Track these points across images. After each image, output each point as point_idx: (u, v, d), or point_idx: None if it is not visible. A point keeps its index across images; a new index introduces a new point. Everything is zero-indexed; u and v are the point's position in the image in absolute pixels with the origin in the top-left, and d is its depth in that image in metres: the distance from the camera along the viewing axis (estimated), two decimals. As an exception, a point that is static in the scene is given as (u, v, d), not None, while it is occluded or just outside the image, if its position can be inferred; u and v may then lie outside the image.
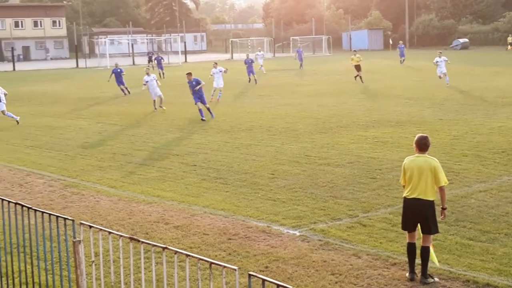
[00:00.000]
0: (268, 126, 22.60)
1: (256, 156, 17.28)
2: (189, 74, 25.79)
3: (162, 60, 50.99)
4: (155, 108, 28.66)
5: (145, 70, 30.07)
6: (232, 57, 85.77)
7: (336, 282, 8.56)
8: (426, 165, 8.55)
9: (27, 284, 7.66)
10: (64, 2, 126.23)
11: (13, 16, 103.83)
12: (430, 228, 8.61)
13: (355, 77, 40.15)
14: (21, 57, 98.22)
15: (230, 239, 10.41)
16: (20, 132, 23.45)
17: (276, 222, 11.27)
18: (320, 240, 10.20)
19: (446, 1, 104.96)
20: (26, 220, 7.60)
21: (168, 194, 13.52)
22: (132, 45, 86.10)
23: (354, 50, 43.71)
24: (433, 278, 8.56)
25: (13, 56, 76.24)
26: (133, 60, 78.67)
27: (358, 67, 40.10)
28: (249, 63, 42.18)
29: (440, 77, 36.04)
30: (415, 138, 8.80)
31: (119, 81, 37.17)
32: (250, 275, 5.18)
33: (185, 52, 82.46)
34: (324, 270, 8.97)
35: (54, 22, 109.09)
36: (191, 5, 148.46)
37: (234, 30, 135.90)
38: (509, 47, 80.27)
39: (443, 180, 8.62)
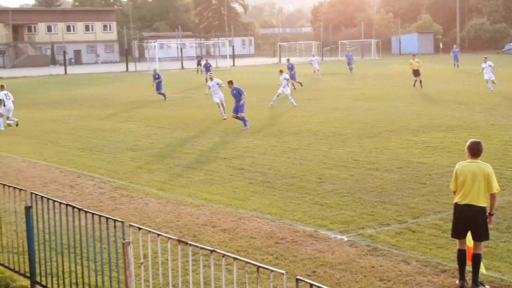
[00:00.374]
0: (316, 130, 22.51)
1: (303, 160, 17.22)
2: (230, 82, 24.93)
3: (210, 66, 51.16)
4: (224, 117, 26.16)
5: (209, 75, 28.52)
6: (279, 61, 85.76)
7: (384, 289, 8.45)
8: (479, 171, 8.39)
9: (77, 284, 7.78)
10: (115, 6, 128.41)
11: (65, 20, 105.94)
12: (481, 234, 8.45)
13: (414, 82, 38.77)
14: (73, 60, 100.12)
15: (277, 243, 10.39)
16: (71, 134, 23.88)
17: (323, 227, 11.19)
18: (368, 246, 10.10)
19: (498, 5, 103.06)
20: (76, 221, 7.73)
21: (215, 197, 13.57)
22: (181, 49, 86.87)
23: (413, 54, 42.36)
24: (484, 285, 8.39)
25: (64, 59, 77.72)
26: (182, 64, 79.39)
27: (416, 72, 38.85)
28: (290, 68, 41.72)
29: (487, 81, 35.27)
30: (468, 144, 8.63)
31: (159, 87, 37.17)
32: (297, 279, 5.16)
33: (233, 56, 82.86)
34: (372, 276, 8.87)
35: (105, 26, 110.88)
36: (240, 9, 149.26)
37: (282, 34, 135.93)
38: None
39: (496, 187, 8.46)
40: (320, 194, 13.47)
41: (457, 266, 8.71)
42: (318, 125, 23.91)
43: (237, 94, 24.32)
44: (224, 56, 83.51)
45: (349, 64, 57.59)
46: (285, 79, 31.04)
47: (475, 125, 22.45)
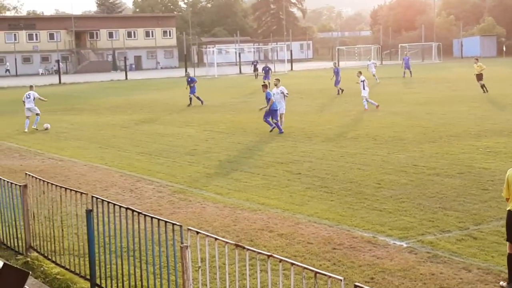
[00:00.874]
0: (375, 135, 22.27)
1: (361, 165, 17.04)
2: (264, 86, 25.27)
3: (269, 70, 50.98)
4: (281, 130, 23.84)
5: (274, 82, 26.03)
6: (338, 65, 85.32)
7: (444, 297, 8.27)
8: None
9: (136, 287, 7.87)
10: (175, 12, 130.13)
11: (126, 26, 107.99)
12: None
13: (482, 87, 37.34)
14: (133, 66, 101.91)
15: (334, 248, 10.30)
16: (131, 139, 24.27)
17: (382, 233, 11.04)
18: (428, 253, 9.90)
19: None
20: (136, 224, 7.82)
21: (272, 202, 13.56)
22: (239, 54, 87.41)
23: (476, 58, 41.37)
24: None
25: (125, 65, 79.16)
26: (240, 69, 79.83)
27: (479, 77, 37.75)
28: (336, 72, 41.29)
29: None
30: None
31: (193, 90, 37.17)
32: (355, 285, 5.09)
33: (291, 61, 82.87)
34: (432, 283, 8.69)
35: (164, 32, 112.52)
36: (298, 14, 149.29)
37: (340, 38, 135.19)
38: None
39: None
40: (379, 200, 13.29)
41: (507, 270, 8.50)
42: (377, 129, 23.64)
43: (267, 98, 24.21)
44: (282, 61, 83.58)
45: (406, 67, 56.16)
46: (362, 81, 31.08)
47: (540, 129, 21.82)
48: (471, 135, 21.35)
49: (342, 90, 40.53)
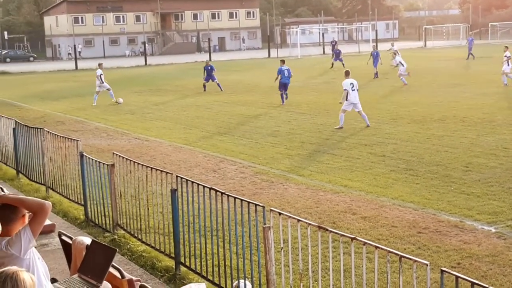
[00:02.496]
0: (463, 117, 21.63)
1: (449, 148, 16.60)
2: (282, 61, 29.63)
3: (340, 52, 49.32)
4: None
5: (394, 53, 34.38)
6: (425, 45, 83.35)
7: (536, 285, 7.96)
8: None
9: (219, 266, 7.95)
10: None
11: (210, 8, 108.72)
12: None
13: None
14: (217, 47, 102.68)
15: (419, 232, 10.08)
16: (215, 120, 24.50)
17: (469, 217, 10.73)
18: (518, 239, 9.56)
19: None
20: (219, 204, 7.88)
21: (355, 184, 13.40)
22: (323, 34, 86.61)
23: None
24: None
25: (209, 46, 79.81)
26: (323, 49, 79.14)
27: None
28: (375, 56, 40.14)
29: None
30: None
31: (210, 76, 36.10)
32: (442, 270, 4.95)
33: (376, 41, 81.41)
34: (522, 270, 8.38)
35: (248, 13, 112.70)
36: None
37: (428, 17, 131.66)
38: None
39: None
40: (467, 183, 12.92)
41: None
42: (466, 111, 22.96)
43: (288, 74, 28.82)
44: (367, 41, 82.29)
45: (469, 49, 53.35)
46: (506, 56, 31.54)
47: None
48: None
49: (377, 74, 39.17)
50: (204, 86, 36.45)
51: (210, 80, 36.17)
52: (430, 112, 23.27)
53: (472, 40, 55.43)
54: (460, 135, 18.38)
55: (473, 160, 14.96)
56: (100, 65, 32.02)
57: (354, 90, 21.14)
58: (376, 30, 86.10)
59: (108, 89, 31.14)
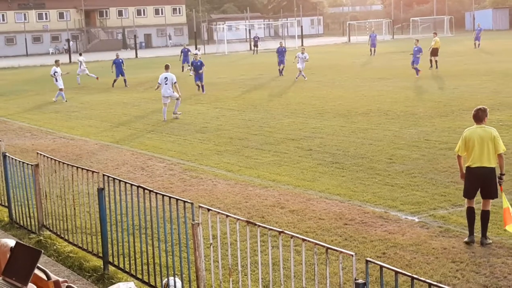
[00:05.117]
0: (386, 110, 22.15)
1: (373, 141, 16.98)
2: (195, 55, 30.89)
3: (188, 52, 48.48)
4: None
5: (301, 49, 35.96)
6: (349, 40, 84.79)
7: (457, 270, 8.26)
8: (486, 135, 9.21)
9: (148, 264, 7.91)
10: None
11: (135, 4, 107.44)
12: (492, 193, 9.18)
13: (435, 63, 36.88)
14: (143, 44, 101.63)
15: (346, 224, 10.29)
16: (142, 117, 24.27)
17: (394, 208, 11.02)
18: (440, 227, 9.89)
19: None
20: (147, 202, 7.84)
21: (283, 179, 13.55)
22: (250, 30, 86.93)
23: (434, 33, 40.94)
24: (489, 239, 9.12)
25: (135, 43, 78.97)
26: (250, 45, 79.44)
27: (434, 51, 37.14)
28: (280, 52, 38.93)
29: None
30: (473, 111, 9.63)
31: (120, 71, 36.96)
32: (367, 261, 5.08)
33: (301, 37, 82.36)
34: (444, 257, 8.68)
35: (174, 9, 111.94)
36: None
37: (351, 12, 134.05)
38: None
39: (502, 147, 9.24)
40: (391, 175, 13.26)
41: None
42: (389, 104, 23.52)
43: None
44: (293, 37, 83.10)
45: (372, 45, 53.16)
46: (305, 57, 34.77)
47: (553, 102, 21.62)
48: (483, 108, 21.16)
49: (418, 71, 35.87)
50: (115, 81, 37.03)
51: (120, 75, 36.81)
52: (355, 106, 23.72)
53: (375, 36, 55.38)
54: (383, 128, 18.82)
55: (396, 152, 15.35)
56: (56, 61, 32.11)
57: (167, 84, 23.15)
58: (302, 26, 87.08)
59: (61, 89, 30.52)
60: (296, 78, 34.58)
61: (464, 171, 9.41)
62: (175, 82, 23.42)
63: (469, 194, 9.36)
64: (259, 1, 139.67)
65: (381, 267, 4.99)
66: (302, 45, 77.46)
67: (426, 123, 19.18)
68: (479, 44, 53.63)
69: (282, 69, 38.48)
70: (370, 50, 53.20)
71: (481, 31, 55.55)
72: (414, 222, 10.25)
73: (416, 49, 33.38)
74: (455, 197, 11.39)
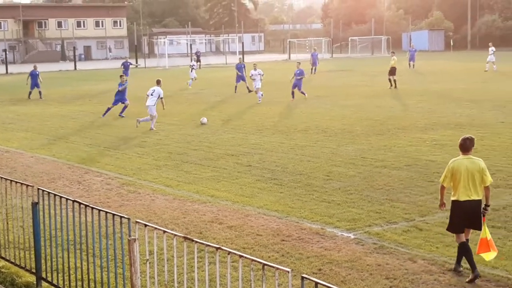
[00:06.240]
0: (324, 127, 22.46)
1: (311, 157, 17.18)
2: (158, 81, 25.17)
3: (130, 65, 48.40)
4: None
5: (254, 65, 33.00)
6: (289, 58, 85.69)
7: (390, 287, 8.42)
8: (474, 167, 8.80)
9: (82, 280, 7.79)
10: (125, 2, 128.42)
11: (75, 16, 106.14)
12: (477, 224, 8.83)
13: (394, 82, 37.25)
14: (82, 56, 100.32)
15: (283, 240, 10.37)
16: (80, 130, 23.93)
17: (330, 225, 11.17)
18: (375, 244, 10.07)
19: (510, 2, 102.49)
20: (83, 217, 7.73)
21: (222, 194, 13.57)
22: (191, 45, 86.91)
23: (392, 52, 41.54)
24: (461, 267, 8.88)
25: (74, 55, 77.94)
26: (191, 60, 79.37)
27: (393, 70, 37.45)
28: (239, 68, 38.18)
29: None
30: (459, 140, 9.10)
31: (35, 83, 36.91)
32: (303, 277, 5.14)
33: (242, 53, 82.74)
34: (378, 274, 8.84)
35: (115, 22, 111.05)
36: (250, 6, 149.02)
37: (292, 30, 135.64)
38: None
39: (490, 179, 8.87)
40: (328, 192, 13.44)
41: (464, 265, 8.72)
42: (327, 122, 23.86)
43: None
44: (234, 53, 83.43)
45: (313, 64, 53.19)
46: (259, 74, 32.64)
47: (484, 123, 22.33)
48: (418, 128, 21.73)
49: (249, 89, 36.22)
50: (31, 93, 36.82)
51: (35, 87, 36.63)
52: (294, 123, 23.97)
53: (317, 55, 55.28)
54: (321, 145, 19.07)
55: (333, 169, 15.58)
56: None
57: (152, 95, 23.87)
58: (243, 42, 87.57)
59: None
60: (259, 99, 31.79)
61: (451, 205, 8.94)
62: (161, 98, 23.86)
63: (457, 229, 8.90)
64: (201, 16, 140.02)
65: (316, 283, 5.06)
66: (243, 60, 77.90)
67: (363, 141, 19.53)
68: (413, 65, 54.84)
69: (236, 87, 37.41)
70: (311, 68, 53.04)
71: (415, 52, 56.70)
72: (350, 238, 10.41)
73: (298, 72, 32.36)
74: (389, 214, 11.63)
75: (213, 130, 22.81)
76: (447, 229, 9.12)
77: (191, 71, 43.39)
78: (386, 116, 24.80)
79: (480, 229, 8.71)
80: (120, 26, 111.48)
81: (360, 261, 9.34)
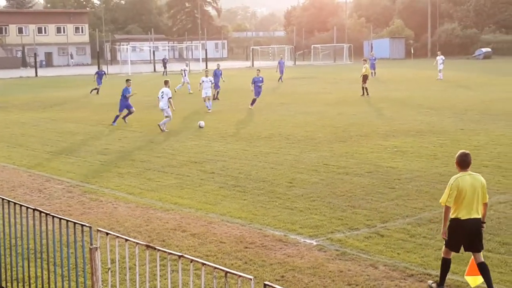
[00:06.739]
0: (287, 134, 22.57)
1: (274, 164, 17.25)
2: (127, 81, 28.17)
3: (103, 73, 48.15)
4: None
5: (205, 72, 32.70)
6: (252, 65, 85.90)
7: (352, 293, 8.50)
8: (477, 183, 8.38)
9: (43, 289, 7.69)
10: (88, 8, 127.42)
11: (36, 22, 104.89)
12: (479, 245, 8.49)
13: (366, 90, 37.55)
14: (44, 63, 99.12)
15: (246, 247, 10.39)
16: (41, 137, 23.64)
17: (293, 231, 11.23)
18: (337, 250, 10.15)
19: (469, 10, 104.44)
20: (44, 226, 7.64)
21: (185, 202, 13.54)
22: (154, 52, 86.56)
23: (364, 59, 41.73)
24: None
25: (35, 62, 76.98)
26: (154, 67, 79.10)
27: (365, 78, 37.80)
28: (217, 74, 37.82)
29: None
30: (457, 157, 8.53)
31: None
32: (265, 284, 5.17)
33: (205, 60, 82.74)
34: (340, 280, 8.91)
35: (77, 28, 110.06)
36: (213, 13, 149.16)
37: (255, 37, 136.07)
38: None
39: (487, 196, 8.56)
40: (291, 199, 13.50)
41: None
42: (290, 129, 23.98)
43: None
44: (197, 60, 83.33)
45: (280, 72, 52.60)
46: (210, 81, 31.83)
47: (444, 130, 22.70)
48: (379, 135, 21.98)
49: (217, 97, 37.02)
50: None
51: None
52: (257, 130, 24.05)
53: (284, 63, 54.92)
54: (285, 152, 19.17)
55: (296, 176, 15.66)
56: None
57: (163, 97, 24.61)
58: (206, 49, 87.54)
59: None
60: (209, 108, 30.76)
61: (450, 223, 8.48)
62: (169, 98, 24.60)
63: (455, 247, 8.52)
64: (164, 23, 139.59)
65: (279, 290, 5.09)
66: (206, 68, 77.82)
67: (325, 148, 19.68)
68: (375, 73, 55.30)
69: (217, 93, 37.08)
70: (280, 77, 52.38)
71: (375, 60, 57.12)
72: (312, 245, 10.48)
73: (258, 79, 32.06)
74: (351, 220, 11.74)
75: (177, 137, 22.75)
76: (446, 246, 8.61)
77: (185, 76, 43.38)
78: (348, 123, 25.03)
79: (479, 251, 8.42)
80: (82, 32, 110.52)
81: (323, 267, 9.41)
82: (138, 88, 43.14)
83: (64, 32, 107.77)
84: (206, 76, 31.90)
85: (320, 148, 19.69)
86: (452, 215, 8.42)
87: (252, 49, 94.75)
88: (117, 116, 26.98)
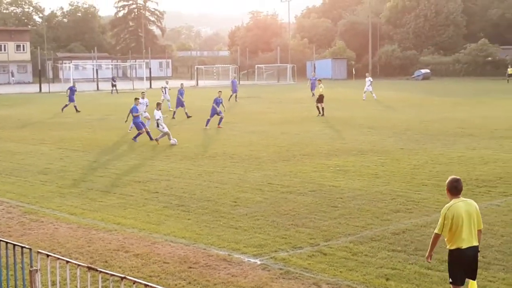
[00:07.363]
0: (232, 154, 22.63)
1: (218, 184, 17.27)
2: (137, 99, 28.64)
3: (75, 90, 47.03)
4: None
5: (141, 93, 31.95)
6: (197, 84, 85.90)
7: (296, 311, 8.55)
8: (471, 209, 8.07)
9: (-19, 313, 7.51)
10: (29, 26, 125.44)
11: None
12: (475, 273, 8.24)
13: (322, 110, 37.66)
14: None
15: (190, 267, 10.36)
16: (-20, 157, 23.07)
17: (237, 251, 11.25)
18: (280, 269, 10.21)
19: (408, 32, 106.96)
20: (-18, 248, 7.48)
21: (128, 222, 13.41)
22: (97, 70, 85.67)
23: (319, 80, 42.23)
24: None
25: (-26, 79, 75.23)
26: (97, 85, 78.25)
27: (321, 98, 37.80)
28: (181, 93, 38.16)
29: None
30: (448, 183, 8.17)
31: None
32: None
33: (149, 78, 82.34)
34: (284, 299, 8.96)
35: (18, 46, 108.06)
36: (157, 32, 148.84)
37: (199, 57, 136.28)
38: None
39: (481, 223, 8.28)
40: (235, 218, 13.53)
41: None
42: (234, 148, 24.05)
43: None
44: (141, 78, 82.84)
45: (233, 91, 52.30)
46: (146, 104, 30.86)
47: (385, 149, 23.13)
48: (322, 154, 22.25)
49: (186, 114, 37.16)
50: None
51: None
52: (202, 149, 24.03)
53: (236, 82, 54.84)
54: (229, 171, 19.20)
55: (241, 195, 15.71)
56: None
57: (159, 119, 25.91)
58: (150, 68, 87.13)
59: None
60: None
61: (451, 256, 8.14)
62: (157, 119, 25.97)
63: (460, 279, 8.12)
64: (107, 41, 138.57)
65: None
66: (150, 86, 77.42)
67: (269, 167, 19.81)
68: (313, 94, 55.67)
69: (175, 113, 37.21)
70: (234, 95, 51.98)
71: (315, 80, 57.48)
72: (256, 264, 10.52)
73: (219, 100, 32.26)
74: (295, 239, 11.83)
75: (119, 156, 22.54)
76: (451, 283, 8.21)
77: (165, 93, 42.58)
78: (291, 143, 25.26)
79: (474, 279, 8.14)
80: (23, 50, 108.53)
81: (266, 286, 9.46)
82: (81, 107, 42.76)
83: (5, 50, 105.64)
84: (143, 97, 30.90)
85: (264, 167, 19.80)
86: (451, 247, 8.09)
87: (197, 68, 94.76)
88: (138, 134, 26.87)
